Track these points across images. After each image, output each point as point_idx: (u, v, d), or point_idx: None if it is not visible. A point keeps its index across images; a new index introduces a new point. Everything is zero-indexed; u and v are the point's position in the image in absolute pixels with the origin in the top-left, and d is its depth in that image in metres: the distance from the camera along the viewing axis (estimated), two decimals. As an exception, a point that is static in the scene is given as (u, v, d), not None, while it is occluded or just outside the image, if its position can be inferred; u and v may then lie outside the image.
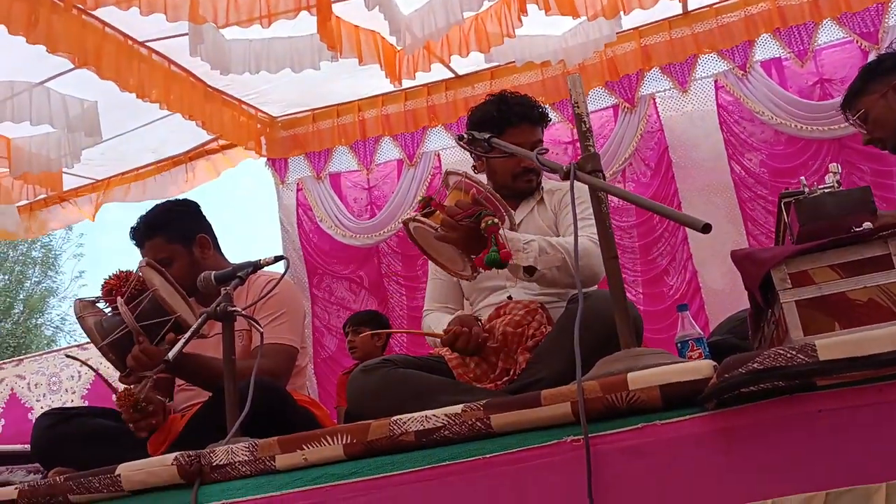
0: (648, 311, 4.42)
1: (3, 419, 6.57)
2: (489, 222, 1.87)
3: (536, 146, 2.45)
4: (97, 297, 2.24)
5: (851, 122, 2.55)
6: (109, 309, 2.23)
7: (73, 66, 3.68)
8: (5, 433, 6.43)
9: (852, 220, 1.48)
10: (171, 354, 1.78)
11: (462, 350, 2.18)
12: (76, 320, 2.20)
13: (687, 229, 4.46)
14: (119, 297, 2.13)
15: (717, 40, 4.46)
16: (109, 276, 2.24)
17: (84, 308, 2.23)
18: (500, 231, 1.92)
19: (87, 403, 6.20)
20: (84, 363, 2.70)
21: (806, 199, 1.54)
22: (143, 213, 2.70)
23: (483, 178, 2.57)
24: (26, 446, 3.08)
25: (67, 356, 6.25)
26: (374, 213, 5.34)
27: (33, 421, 2.41)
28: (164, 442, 2.28)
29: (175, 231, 2.64)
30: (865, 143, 2.57)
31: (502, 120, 2.45)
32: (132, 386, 2.16)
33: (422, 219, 2.00)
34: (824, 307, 1.39)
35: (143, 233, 2.63)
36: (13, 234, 5.46)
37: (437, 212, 1.99)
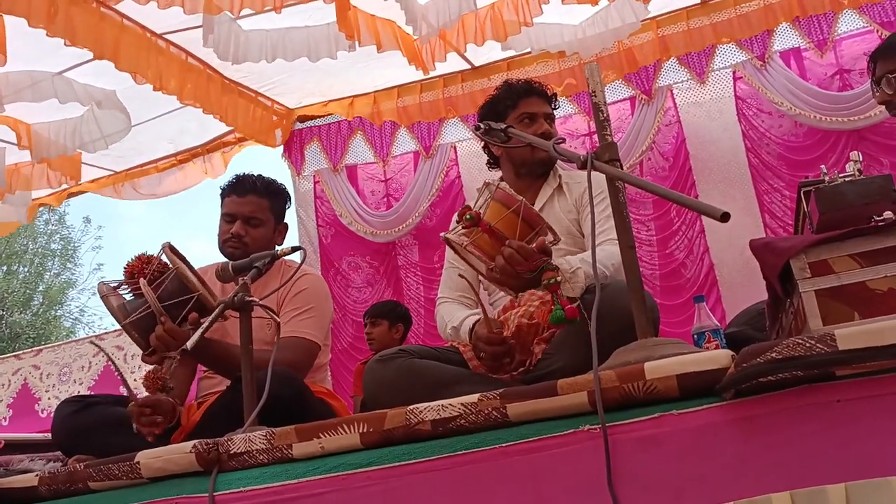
0: (665, 304, 4.40)
1: (10, 410, 6.61)
2: (552, 280, 1.77)
3: (550, 118, 2.49)
4: (119, 282, 2.26)
5: (876, 76, 2.43)
6: (131, 295, 2.24)
7: (88, 58, 3.70)
8: (13, 424, 6.48)
9: (873, 209, 1.47)
10: (189, 343, 1.79)
11: (488, 358, 2.09)
12: (101, 300, 2.21)
13: (704, 221, 4.45)
14: (141, 279, 2.14)
15: (736, 30, 4.42)
16: (131, 259, 2.25)
17: (108, 290, 2.25)
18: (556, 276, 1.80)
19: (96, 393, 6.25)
20: (103, 350, 2.72)
21: (826, 188, 1.52)
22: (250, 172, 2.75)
23: (496, 174, 2.58)
24: (46, 435, 3.12)
25: (92, 343, 6.32)
26: (390, 206, 5.35)
27: (39, 412, 2.43)
28: (182, 431, 2.30)
29: (279, 205, 2.74)
30: (880, 103, 2.49)
31: (513, 94, 2.48)
32: (159, 367, 2.17)
33: (472, 250, 1.88)
34: (844, 297, 1.37)
35: (257, 188, 2.68)
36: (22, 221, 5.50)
37: (481, 230, 1.84)
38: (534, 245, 1.81)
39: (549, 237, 1.88)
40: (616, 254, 2.08)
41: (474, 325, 2.19)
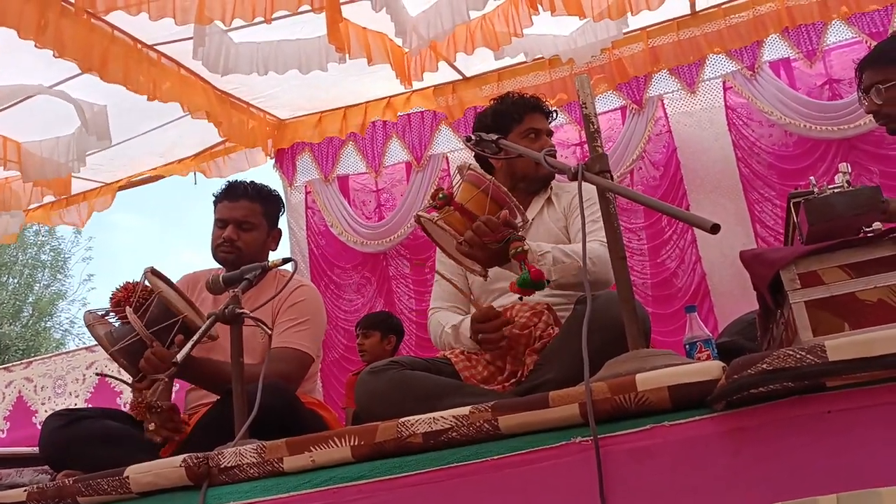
0: (657, 313, 4.40)
1: (7, 423, 6.57)
2: (518, 249, 1.83)
3: (550, 136, 2.51)
4: (106, 310, 2.26)
5: (864, 85, 2.42)
6: (118, 322, 2.25)
7: (79, 71, 3.69)
8: (10, 437, 6.43)
9: (862, 220, 1.47)
10: (179, 357, 1.79)
11: (488, 329, 2.12)
12: (87, 329, 2.22)
13: (695, 231, 4.46)
14: (128, 307, 2.14)
15: (726, 41, 4.45)
16: (116, 289, 2.27)
17: (94, 319, 2.25)
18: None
19: (89, 406, 6.22)
20: (112, 377, 2.76)
21: (815, 199, 1.53)
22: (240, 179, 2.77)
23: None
24: (34, 449, 3.09)
25: (97, 374, 6.29)
26: (382, 216, 5.35)
27: (36, 424, 2.42)
28: (173, 443, 2.28)
29: (272, 210, 2.75)
30: (868, 112, 2.48)
31: (519, 108, 2.48)
32: (146, 392, 2.16)
33: (443, 224, 1.94)
34: (834, 308, 1.38)
35: (249, 192, 2.69)
36: (14, 236, 5.49)
37: (453, 209, 1.93)
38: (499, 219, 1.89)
39: (518, 219, 1.97)
40: (597, 250, 2.12)
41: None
